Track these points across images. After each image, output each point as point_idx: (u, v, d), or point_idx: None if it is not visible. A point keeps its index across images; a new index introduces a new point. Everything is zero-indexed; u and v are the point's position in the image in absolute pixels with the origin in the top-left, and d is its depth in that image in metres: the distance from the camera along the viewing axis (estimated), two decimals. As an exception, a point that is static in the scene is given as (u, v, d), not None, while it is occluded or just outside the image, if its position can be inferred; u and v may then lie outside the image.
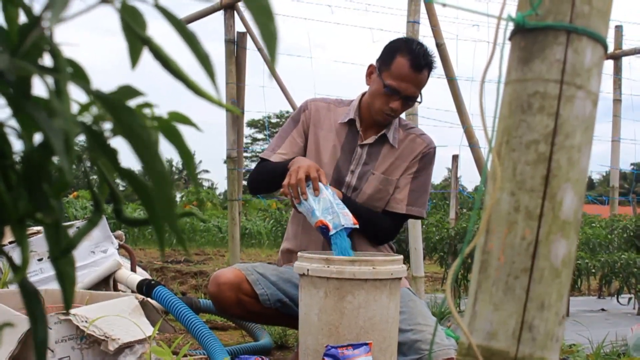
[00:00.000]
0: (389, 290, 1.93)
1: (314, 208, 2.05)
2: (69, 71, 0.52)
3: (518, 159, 0.77)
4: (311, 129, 2.44)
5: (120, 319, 1.88)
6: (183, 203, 16.86)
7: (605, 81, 7.12)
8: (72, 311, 1.84)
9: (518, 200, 0.76)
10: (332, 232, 2.02)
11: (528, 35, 0.78)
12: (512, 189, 0.77)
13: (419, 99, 2.36)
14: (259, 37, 0.50)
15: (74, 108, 0.51)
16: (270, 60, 0.50)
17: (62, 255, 0.54)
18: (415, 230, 3.73)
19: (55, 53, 0.49)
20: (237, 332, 3.21)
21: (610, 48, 6.60)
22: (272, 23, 0.50)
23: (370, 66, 2.40)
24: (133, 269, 3.12)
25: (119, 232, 3.30)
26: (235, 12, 5.44)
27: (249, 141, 40.68)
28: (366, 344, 1.79)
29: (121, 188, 0.61)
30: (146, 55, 0.53)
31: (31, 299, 0.56)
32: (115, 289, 2.90)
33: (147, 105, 0.54)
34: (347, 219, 2.05)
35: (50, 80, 0.48)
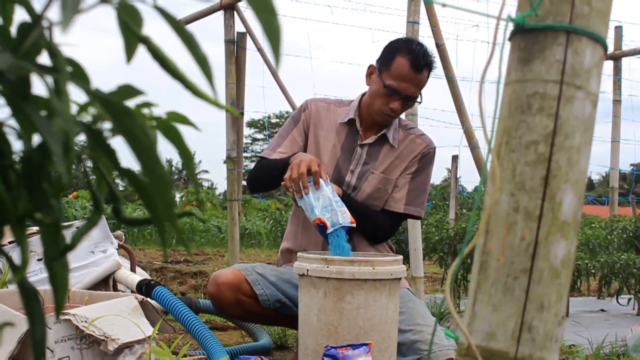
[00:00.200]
0: (389, 291, 1.93)
1: (314, 205, 2.06)
2: (69, 71, 0.52)
3: (517, 160, 0.77)
4: (311, 128, 2.44)
5: (119, 319, 1.88)
6: (183, 203, 16.88)
7: (604, 82, 7.12)
8: (72, 311, 1.84)
9: (517, 200, 0.76)
10: (329, 230, 2.03)
11: (528, 36, 0.78)
12: (511, 189, 0.77)
13: (418, 99, 2.36)
14: (262, 34, 0.50)
15: (74, 108, 0.51)
16: (273, 58, 0.50)
17: (60, 257, 0.54)
18: (414, 230, 3.73)
19: (55, 52, 0.49)
20: (236, 332, 3.21)
21: (610, 49, 6.60)
22: (275, 20, 0.50)
23: (370, 66, 2.40)
24: (133, 269, 3.12)
25: (119, 232, 3.30)
26: (235, 13, 5.44)
27: (249, 141, 40.70)
28: (365, 345, 1.79)
29: (120, 188, 0.61)
30: (145, 55, 0.53)
31: (30, 298, 0.56)
32: (115, 289, 2.90)
33: (147, 104, 0.54)
34: (345, 218, 2.05)
35: (49, 79, 0.48)
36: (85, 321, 1.81)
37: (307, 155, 2.23)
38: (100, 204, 0.57)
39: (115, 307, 1.93)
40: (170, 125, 0.55)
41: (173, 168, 41.81)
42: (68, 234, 0.54)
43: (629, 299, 4.91)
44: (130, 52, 0.53)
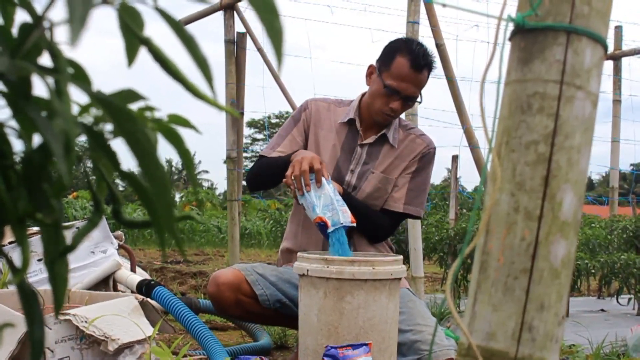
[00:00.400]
0: (389, 291, 1.93)
1: (315, 204, 2.06)
2: (70, 72, 0.52)
3: (518, 160, 0.77)
4: (311, 128, 2.44)
5: (120, 319, 1.88)
6: (182, 203, 16.87)
7: (604, 82, 7.12)
8: (72, 311, 1.84)
9: (518, 200, 0.76)
10: (330, 229, 2.03)
11: (528, 36, 0.78)
12: (511, 189, 0.77)
13: (419, 99, 2.36)
14: (264, 34, 0.50)
15: (75, 109, 0.51)
16: (275, 58, 0.50)
17: (60, 257, 0.54)
18: (414, 230, 3.73)
19: (56, 53, 0.49)
20: (236, 332, 3.21)
21: (610, 48, 6.59)
22: (276, 19, 0.49)
23: (370, 66, 2.40)
24: (133, 269, 3.12)
25: (119, 233, 3.30)
26: (235, 13, 5.44)
27: (249, 141, 40.69)
28: (366, 345, 1.79)
29: (120, 188, 0.61)
30: (145, 56, 0.53)
31: (29, 299, 0.56)
32: (115, 289, 2.90)
33: (149, 108, 0.54)
34: (346, 217, 2.06)
35: (50, 80, 0.48)
36: (86, 321, 1.81)
37: (308, 152, 2.22)
38: (100, 205, 0.57)
39: (116, 307, 1.93)
40: (171, 128, 0.55)
41: (173, 168, 41.81)
42: (69, 235, 0.54)
43: (629, 299, 4.91)
44: (131, 55, 0.53)
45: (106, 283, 2.88)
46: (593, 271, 4.72)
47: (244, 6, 5.45)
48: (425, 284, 4.44)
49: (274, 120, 35.88)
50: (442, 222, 5.35)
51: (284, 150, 2.40)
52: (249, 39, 5.52)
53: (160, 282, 2.61)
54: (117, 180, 0.58)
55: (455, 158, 6.57)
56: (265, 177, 2.38)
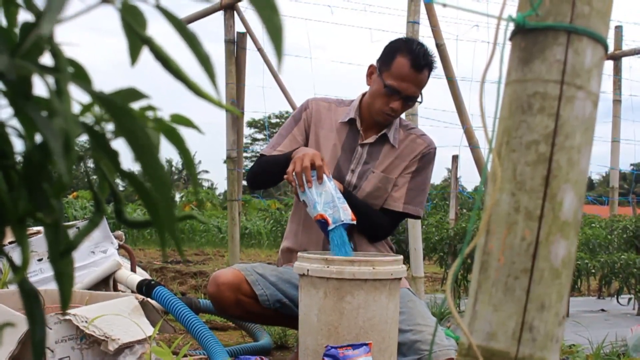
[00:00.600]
0: (389, 291, 1.93)
1: (316, 201, 2.06)
2: (70, 71, 0.52)
3: (518, 160, 0.77)
4: (312, 127, 2.44)
5: (120, 319, 1.88)
6: (183, 203, 16.87)
7: (605, 82, 7.12)
8: (72, 311, 1.84)
9: (518, 200, 0.76)
10: (331, 227, 2.03)
11: (528, 36, 0.78)
12: (512, 189, 0.77)
13: (419, 99, 2.36)
14: (264, 33, 0.50)
15: (76, 108, 0.51)
16: (276, 56, 0.50)
17: (62, 257, 0.54)
18: (414, 230, 3.73)
19: (56, 53, 0.49)
20: (236, 332, 3.21)
21: (610, 48, 6.60)
22: (276, 17, 0.49)
23: (371, 66, 2.40)
24: (133, 269, 3.12)
25: (119, 233, 3.30)
26: (235, 13, 5.44)
27: (249, 141, 40.68)
28: (366, 344, 1.79)
29: (121, 188, 0.61)
30: (147, 55, 0.53)
31: (30, 299, 0.56)
32: (115, 289, 2.90)
33: (150, 108, 0.54)
34: (347, 215, 2.06)
35: (51, 79, 0.48)
36: (86, 321, 1.81)
37: (309, 149, 2.21)
38: (101, 205, 0.57)
39: (116, 307, 1.93)
40: (172, 127, 0.55)
41: (173, 168, 41.80)
42: (70, 234, 0.54)
43: (629, 299, 4.91)
44: (134, 54, 0.53)
45: (106, 283, 2.88)
46: (593, 271, 4.72)
47: (244, 6, 5.45)
48: (425, 284, 4.44)
49: (274, 120, 35.88)
50: (442, 222, 5.35)
51: (284, 149, 2.40)
52: (249, 39, 5.52)
53: (160, 282, 2.62)
54: (118, 180, 0.57)
55: (455, 158, 6.57)
56: (266, 174, 2.38)
